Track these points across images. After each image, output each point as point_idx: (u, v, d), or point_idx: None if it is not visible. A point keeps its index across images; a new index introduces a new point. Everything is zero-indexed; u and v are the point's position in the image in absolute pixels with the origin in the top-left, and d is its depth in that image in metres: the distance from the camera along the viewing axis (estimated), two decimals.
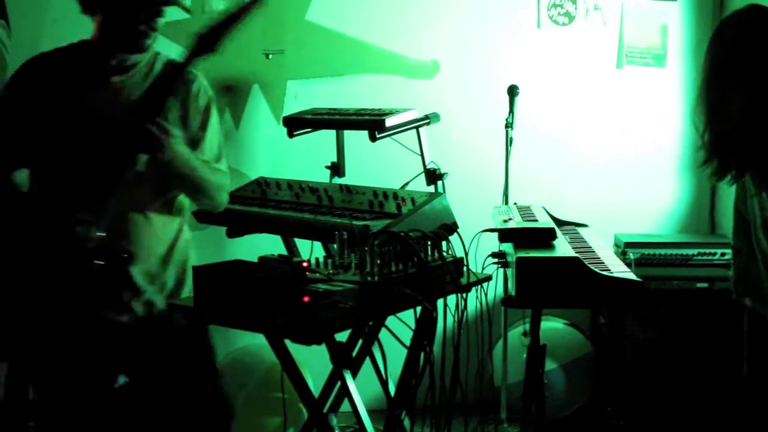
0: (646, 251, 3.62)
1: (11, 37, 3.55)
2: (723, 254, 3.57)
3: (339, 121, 3.26)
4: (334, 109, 3.39)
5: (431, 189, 3.09)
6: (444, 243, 2.43)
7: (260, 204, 2.93)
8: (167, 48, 3.25)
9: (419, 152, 3.16)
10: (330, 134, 3.46)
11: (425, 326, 2.38)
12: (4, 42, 3.52)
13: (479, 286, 2.54)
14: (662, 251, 3.62)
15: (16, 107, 2.36)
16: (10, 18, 3.55)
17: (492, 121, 3.68)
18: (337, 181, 3.39)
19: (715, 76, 2.31)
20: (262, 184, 3.09)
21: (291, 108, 3.75)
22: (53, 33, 3.52)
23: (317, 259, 2.36)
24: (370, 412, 2.64)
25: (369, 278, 2.21)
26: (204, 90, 2.46)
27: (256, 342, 3.47)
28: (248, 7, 2.25)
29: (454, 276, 2.43)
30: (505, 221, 2.58)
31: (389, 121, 2.99)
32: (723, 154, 2.29)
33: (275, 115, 3.86)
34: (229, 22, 2.24)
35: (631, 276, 2.25)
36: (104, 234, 2.19)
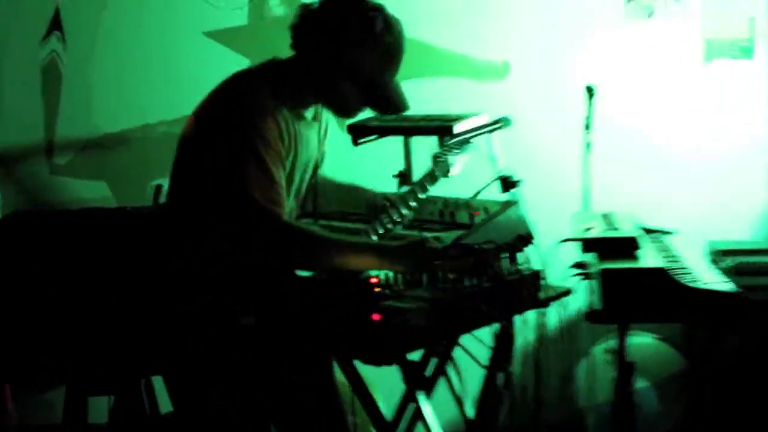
0: (743, 259, 3.40)
1: (66, 49, 3.63)
2: None
3: (406, 127, 3.17)
4: (401, 115, 3.34)
5: (505, 197, 3.00)
6: (520, 255, 2.34)
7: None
8: (223, 55, 3.32)
9: (491, 158, 3.07)
10: (397, 141, 3.39)
11: (503, 345, 2.32)
12: (59, 53, 3.62)
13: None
14: (761, 259, 3.39)
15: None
16: (66, 31, 3.63)
17: (568, 123, 3.52)
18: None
19: None
20: None
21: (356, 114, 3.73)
22: (105, 46, 3.58)
23: (387, 275, 2.26)
24: None
25: (442, 294, 2.12)
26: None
27: None
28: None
29: (531, 290, 2.33)
30: (587, 229, 2.50)
31: (458, 127, 2.88)
32: None
33: (339, 123, 3.81)
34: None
35: (725, 287, 2.13)
36: None
